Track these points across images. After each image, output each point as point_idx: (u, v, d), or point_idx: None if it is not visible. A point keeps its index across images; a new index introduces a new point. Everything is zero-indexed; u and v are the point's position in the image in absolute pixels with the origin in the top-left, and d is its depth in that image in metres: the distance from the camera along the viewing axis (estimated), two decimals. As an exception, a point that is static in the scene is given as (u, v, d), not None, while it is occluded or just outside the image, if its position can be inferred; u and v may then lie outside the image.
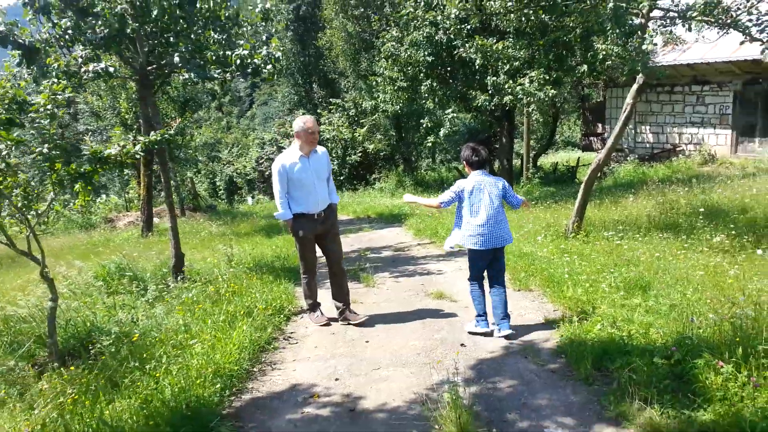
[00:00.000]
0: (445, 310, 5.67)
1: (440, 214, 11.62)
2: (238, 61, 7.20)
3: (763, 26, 7.21)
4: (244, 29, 7.89)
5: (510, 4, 8.58)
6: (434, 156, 28.29)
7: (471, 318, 5.16)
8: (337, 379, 4.19)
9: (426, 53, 14.02)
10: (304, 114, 29.23)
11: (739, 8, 7.36)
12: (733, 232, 6.77)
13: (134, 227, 17.17)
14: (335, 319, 5.56)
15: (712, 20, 7.40)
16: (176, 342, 4.38)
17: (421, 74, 14.73)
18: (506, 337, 4.72)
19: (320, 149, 5.40)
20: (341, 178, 26.11)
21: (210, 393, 3.76)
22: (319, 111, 29.35)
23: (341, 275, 5.53)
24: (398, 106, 16.56)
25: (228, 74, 7.56)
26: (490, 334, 4.85)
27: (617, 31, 7.53)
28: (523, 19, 9.07)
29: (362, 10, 22.66)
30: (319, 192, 5.29)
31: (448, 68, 14.72)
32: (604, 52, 9.98)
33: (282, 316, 5.67)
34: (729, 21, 7.33)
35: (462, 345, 4.61)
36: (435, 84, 14.18)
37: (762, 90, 16.82)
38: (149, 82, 7.75)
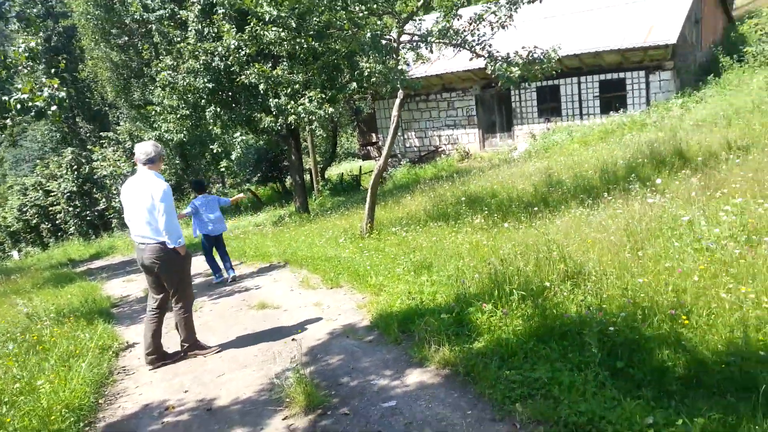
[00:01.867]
0: (270, 316, 6.32)
1: (245, 236, 12.10)
2: (19, 106, 6.96)
3: (483, 45, 9.16)
4: (19, 70, 7.60)
5: (283, 34, 9.47)
6: (224, 181, 28.23)
7: (294, 319, 5.99)
8: (186, 391, 4.61)
9: (205, 80, 14.32)
10: (73, 151, 26.96)
11: (465, 31, 9.20)
12: (487, 213, 8.50)
13: None
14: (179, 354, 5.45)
15: (447, 41, 9.16)
16: (18, 389, 4.39)
17: (203, 101, 14.96)
18: (233, 279, 8.61)
19: None
20: (126, 214, 24.72)
21: (65, 427, 3.95)
22: (89, 147, 27.35)
23: None
24: (182, 135, 16.49)
25: (8, 120, 7.23)
26: (226, 281, 8.64)
27: (376, 54, 8.90)
28: (297, 47, 10.03)
29: (126, 38, 21.83)
30: None
31: (230, 93, 15.18)
32: (368, 70, 11.39)
33: (111, 352, 5.79)
34: (459, 42, 9.15)
35: (293, 339, 5.33)
36: (219, 109, 14.54)
37: (495, 93, 20.27)
38: None
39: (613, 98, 18.73)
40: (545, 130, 19.46)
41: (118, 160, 24.90)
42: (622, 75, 18.51)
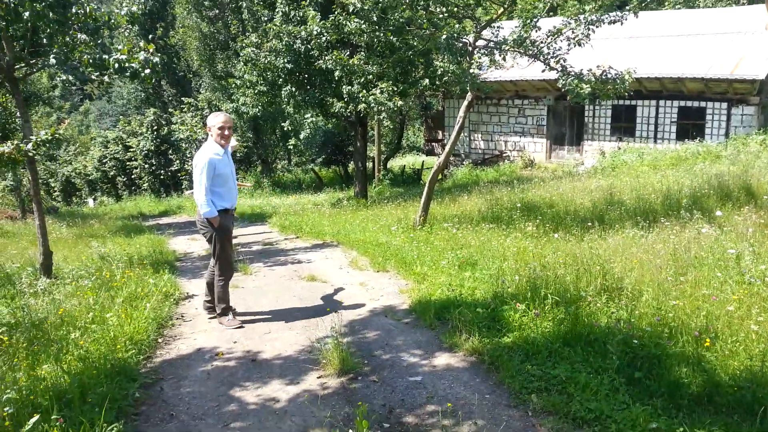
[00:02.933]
0: (318, 289, 6.74)
1: (304, 212, 12.62)
2: (117, 65, 7.61)
3: (558, 58, 9.24)
4: (120, 32, 8.28)
5: (364, 26, 9.86)
6: (290, 158, 29.11)
7: (340, 294, 6.40)
8: (235, 342, 5.07)
9: (285, 60, 14.93)
10: (155, 112, 28.47)
11: (542, 43, 9.31)
12: (540, 222, 8.62)
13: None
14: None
15: (522, 51, 9.29)
16: (90, 318, 4.97)
17: (281, 79, 15.59)
18: None
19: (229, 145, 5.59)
20: (196, 178, 25.97)
21: (128, 356, 4.47)
22: (170, 110, 28.77)
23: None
24: (257, 109, 17.21)
25: (105, 77, 7.90)
26: None
27: (450, 56, 9.14)
28: (375, 39, 10.40)
29: (217, 11, 22.83)
30: (235, 187, 5.58)
31: (306, 75, 15.75)
32: (441, 69, 11.62)
33: (172, 300, 6.36)
34: (534, 52, 9.26)
35: (336, 312, 5.71)
36: (294, 89, 15.14)
37: (569, 105, 20.05)
38: (16, 81, 7.85)
39: (690, 126, 18.21)
40: (615, 149, 19.13)
41: (195, 126, 26.13)
42: (703, 104, 17.96)
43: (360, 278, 7.10)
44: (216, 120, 5.33)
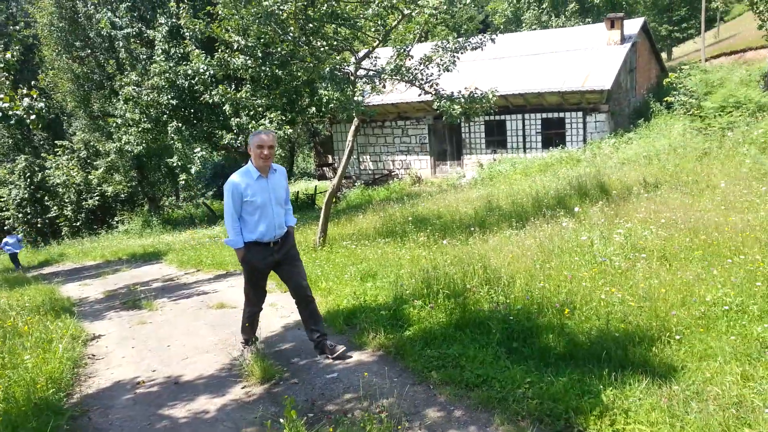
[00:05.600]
0: (228, 314, 7.01)
1: (201, 246, 12.65)
2: (0, 114, 7.49)
3: (431, 83, 10.21)
4: (-1, 80, 8.12)
5: (250, 62, 10.30)
6: (178, 194, 28.45)
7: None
8: (154, 370, 5.28)
9: (169, 97, 14.93)
10: (26, 158, 26.69)
11: (415, 69, 10.25)
12: (430, 232, 9.42)
13: None
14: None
15: (399, 78, 10.17)
16: (1, 365, 4.97)
17: (165, 116, 15.54)
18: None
19: (279, 168, 4.97)
20: (77, 224, 24.65)
21: (49, 395, 4.56)
22: (42, 155, 27.18)
23: (309, 301, 5.08)
24: (142, 147, 16.94)
25: (-12, 126, 7.73)
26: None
27: (333, 85, 9.81)
28: (261, 74, 10.87)
29: (89, 51, 22.13)
30: (276, 217, 4.81)
31: (192, 110, 15.81)
32: (326, 97, 12.24)
33: (80, 341, 6.36)
34: (409, 78, 10.17)
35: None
36: (181, 125, 15.15)
37: (446, 123, 21.51)
38: None
39: (553, 135, 20.25)
40: (492, 161, 20.78)
41: (72, 169, 24.91)
42: (562, 114, 20.06)
43: (269, 300, 7.35)
44: (254, 138, 4.69)
